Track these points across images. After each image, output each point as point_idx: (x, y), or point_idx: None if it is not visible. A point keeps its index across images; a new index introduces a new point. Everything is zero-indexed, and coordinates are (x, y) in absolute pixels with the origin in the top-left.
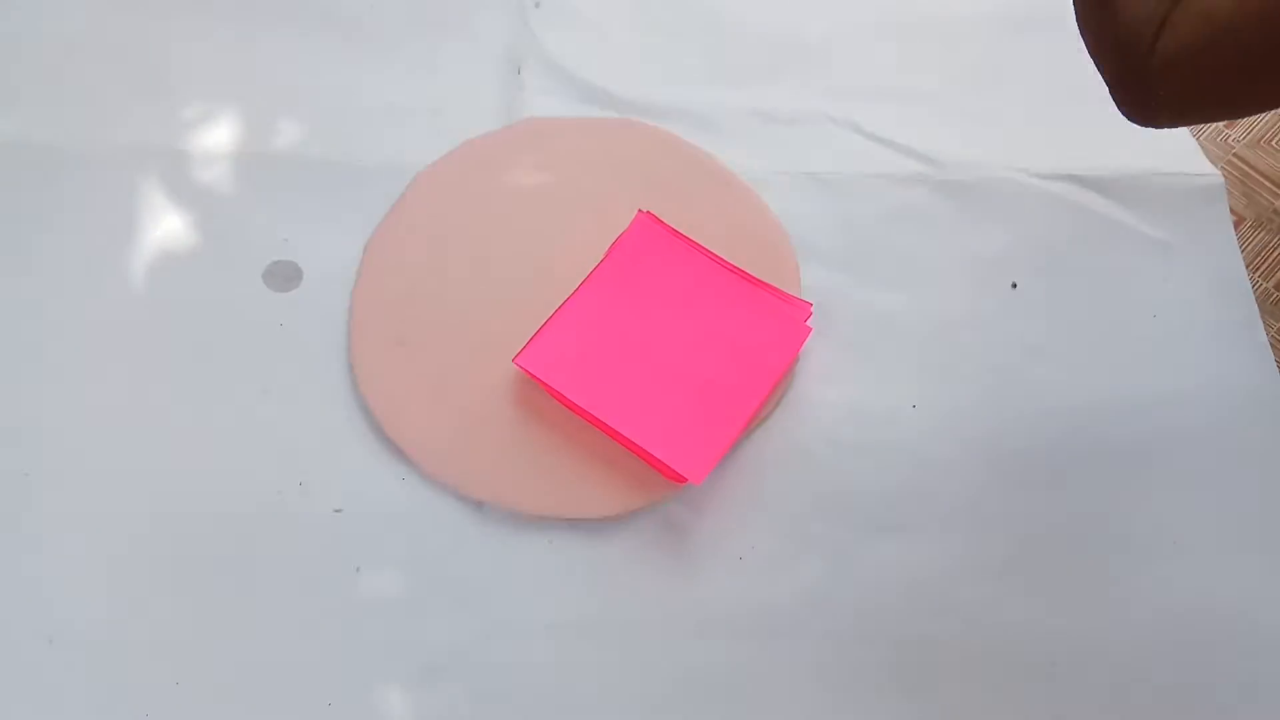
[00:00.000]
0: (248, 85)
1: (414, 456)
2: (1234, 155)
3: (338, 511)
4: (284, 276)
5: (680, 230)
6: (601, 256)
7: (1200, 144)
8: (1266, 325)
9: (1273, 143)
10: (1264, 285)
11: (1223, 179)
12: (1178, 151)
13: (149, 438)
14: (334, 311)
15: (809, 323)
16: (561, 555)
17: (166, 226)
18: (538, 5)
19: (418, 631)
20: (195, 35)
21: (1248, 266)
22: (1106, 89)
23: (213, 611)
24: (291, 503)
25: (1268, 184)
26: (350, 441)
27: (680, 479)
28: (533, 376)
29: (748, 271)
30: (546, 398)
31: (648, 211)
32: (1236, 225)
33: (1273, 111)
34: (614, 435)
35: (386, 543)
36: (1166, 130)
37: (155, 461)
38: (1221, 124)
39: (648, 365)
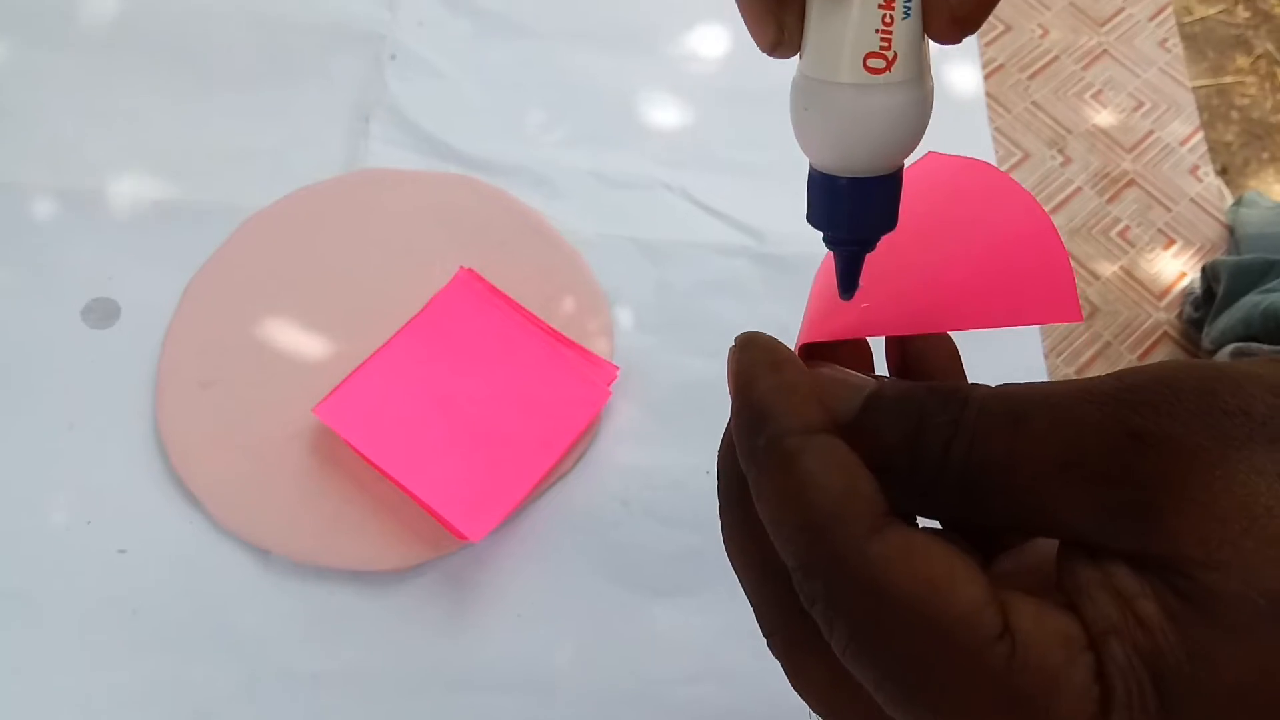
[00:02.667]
0: (89, 118)
1: (204, 501)
2: None
3: (121, 552)
4: (102, 314)
5: (501, 289)
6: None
7: None
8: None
9: (1093, 231)
10: (1065, 371)
11: None
12: None
13: None
14: (147, 351)
15: (613, 386)
16: (340, 606)
17: None
18: (393, 57)
19: (188, 675)
20: (34, 64)
21: (1051, 353)
22: None
23: None
24: (76, 539)
25: (1081, 271)
26: (144, 482)
27: (462, 536)
28: (331, 428)
29: (562, 333)
30: (344, 449)
31: (469, 269)
32: None
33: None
34: (404, 489)
35: (167, 586)
36: None
37: None
38: None
39: (447, 422)
